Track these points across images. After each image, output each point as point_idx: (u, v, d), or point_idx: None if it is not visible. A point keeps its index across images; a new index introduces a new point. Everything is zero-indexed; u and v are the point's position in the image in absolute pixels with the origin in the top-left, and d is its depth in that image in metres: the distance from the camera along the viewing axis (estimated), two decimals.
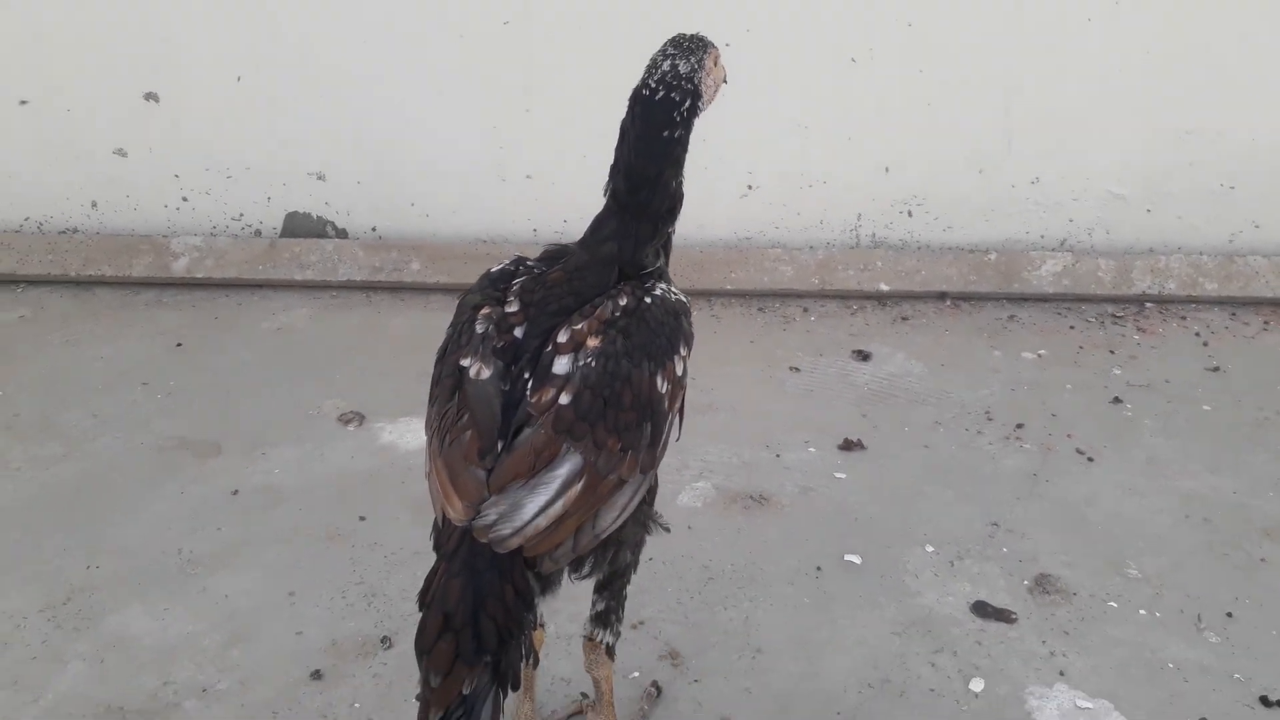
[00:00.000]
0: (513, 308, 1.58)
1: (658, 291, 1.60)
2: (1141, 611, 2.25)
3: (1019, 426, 2.94)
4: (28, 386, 3.14)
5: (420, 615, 1.45)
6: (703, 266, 3.71)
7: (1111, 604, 2.27)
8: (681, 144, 1.60)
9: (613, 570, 1.66)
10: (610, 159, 1.65)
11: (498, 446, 1.46)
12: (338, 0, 3.63)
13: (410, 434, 2.90)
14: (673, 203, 1.63)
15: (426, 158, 3.81)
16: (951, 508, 2.60)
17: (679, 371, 1.59)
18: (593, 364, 1.49)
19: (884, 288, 3.67)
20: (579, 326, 1.52)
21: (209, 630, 2.22)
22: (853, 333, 3.48)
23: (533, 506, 1.43)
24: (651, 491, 1.65)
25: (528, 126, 3.71)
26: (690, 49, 1.60)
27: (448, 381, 1.54)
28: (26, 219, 3.93)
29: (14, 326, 3.52)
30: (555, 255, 1.67)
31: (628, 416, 1.49)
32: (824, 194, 3.78)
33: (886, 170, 3.75)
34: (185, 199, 3.90)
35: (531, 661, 1.50)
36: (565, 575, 1.59)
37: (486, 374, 1.50)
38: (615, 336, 1.52)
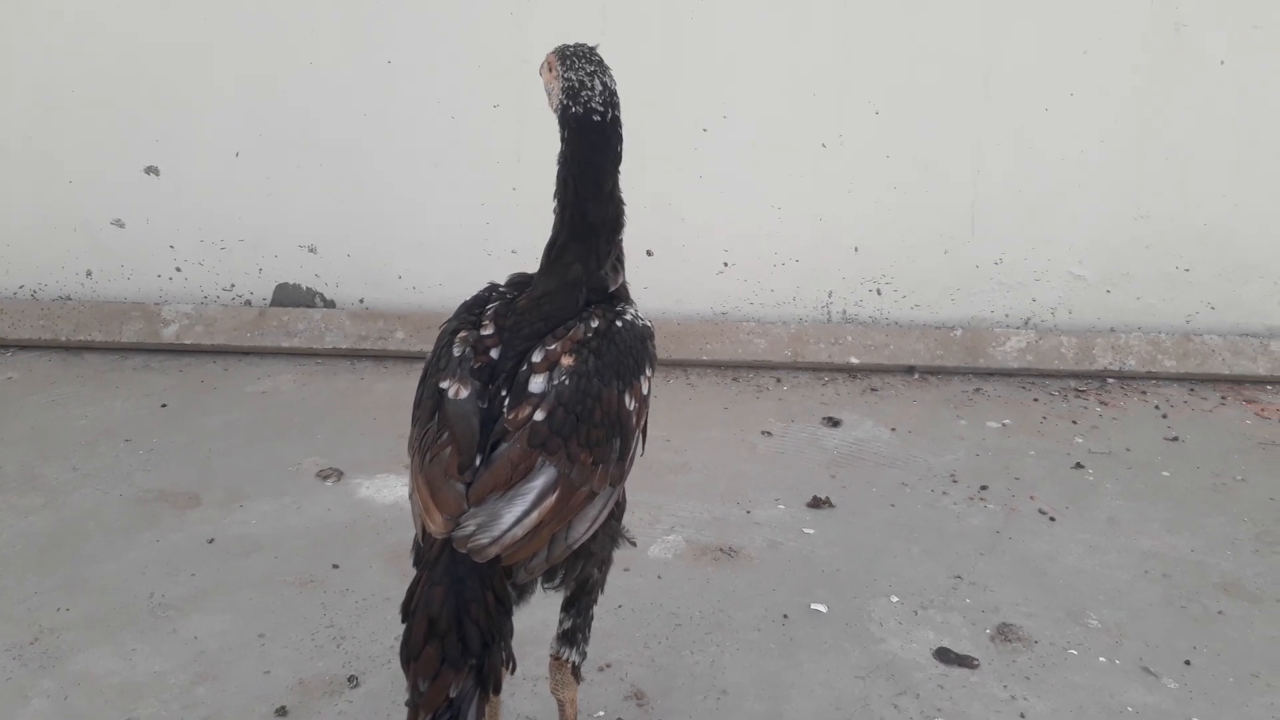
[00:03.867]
0: (488, 331, 1.67)
1: (628, 316, 1.70)
2: (1101, 659, 2.28)
3: (983, 488, 3.00)
4: (10, 442, 3.18)
5: (405, 625, 1.49)
6: (680, 338, 3.81)
7: (1072, 651, 2.30)
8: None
9: (580, 586, 1.70)
10: None
11: (476, 461, 1.53)
12: (336, 81, 3.83)
13: (387, 489, 2.95)
14: (619, 212, 1.72)
15: (415, 232, 3.96)
16: (916, 562, 2.64)
17: (645, 391, 1.68)
18: (566, 382, 1.57)
19: (854, 361, 3.78)
20: (553, 347, 1.61)
21: (176, 669, 2.22)
22: (823, 401, 3.57)
23: (510, 517, 1.49)
24: (619, 507, 1.71)
25: (514, 203, 3.87)
26: (603, 64, 1.70)
27: (428, 403, 1.61)
28: (21, 286, 4.04)
29: (0, 387, 3.58)
30: (523, 282, 1.77)
31: (598, 432, 1.57)
32: (796, 272, 3.93)
33: (856, 250, 3.90)
34: (179, 269, 4.02)
35: (510, 667, 1.53)
36: (539, 586, 1.64)
37: (465, 394, 1.58)
38: (587, 356, 1.60)
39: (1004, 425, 3.42)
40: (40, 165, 3.93)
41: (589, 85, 1.66)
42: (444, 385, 1.59)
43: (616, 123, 1.68)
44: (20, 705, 2.11)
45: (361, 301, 4.02)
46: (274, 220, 3.97)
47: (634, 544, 1.80)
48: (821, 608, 2.44)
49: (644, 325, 1.73)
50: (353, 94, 3.85)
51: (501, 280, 1.84)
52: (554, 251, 1.71)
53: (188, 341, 3.86)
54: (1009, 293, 3.92)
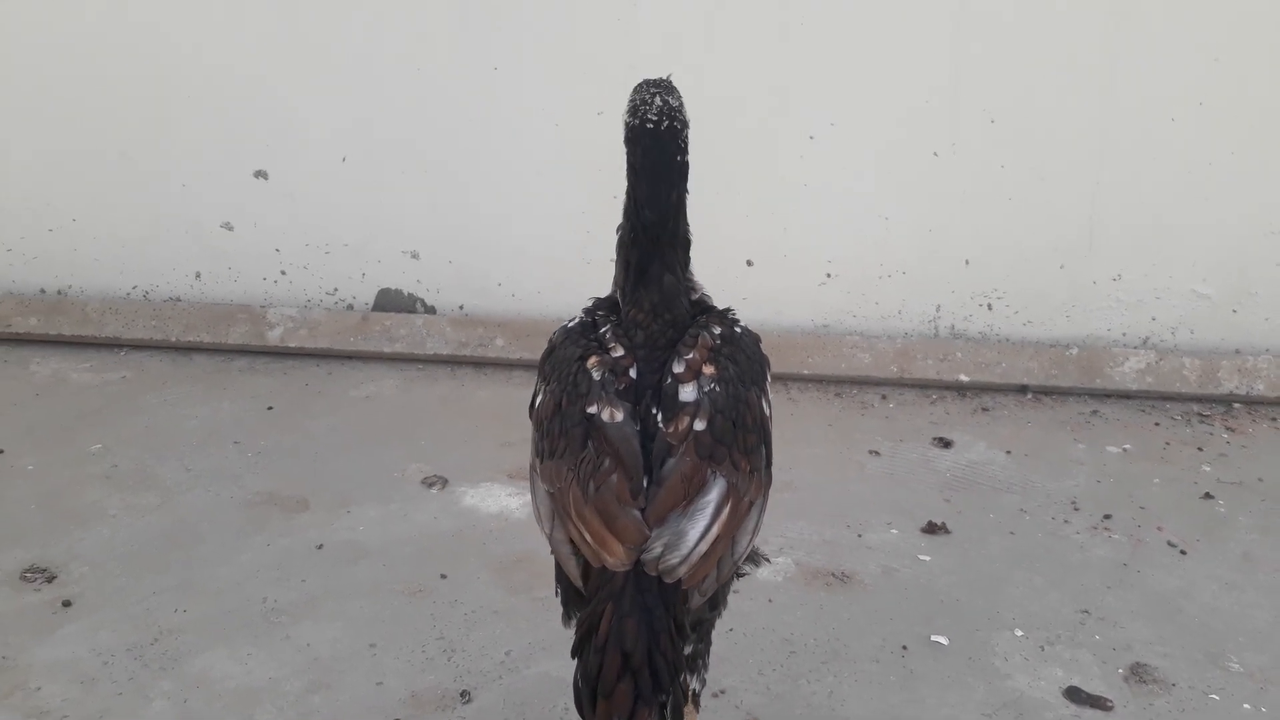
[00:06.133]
0: (618, 353, 1.63)
1: (743, 322, 1.70)
2: (1246, 705, 2.15)
3: (1106, 517, 2.87)
4: (126, 441, 3.26)
5: (585, 658, 1.46)
6: (780, 351, 3.73)
7: (1213, 697, 2.18)
8: (688, 168, 1.69)
9: (705, 609, 1.66)
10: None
11: (644, 484, 1.50)
12: (441, 87, 3.84)
13: (491, 499, 2.94)
14: (688, 228, 1.72)
15: (516, 240, 3.95)
16: (1040, 594, 2.53)
17: (770, 395, 1.66)
18: (717, 389, 1.55)
19: (964, 379, 3.66)
20: (690, 356, 1.58)
21: (291, 676, 2.24)
22: (933, 421, 3.46)
23: (695, 533, 1.47)
24: None
25: (615, 210, 3.81)
26: (670, 88, 1.69)
27: (576, 431, 1.56)
28: (134, 287, 4.14)
29: (116, 386, 3.68)
30: (611, 304, 1.73)
31: (751, 438, 1.56)
32: (903, 284, 3.82)
33: (967, 263, 3.78)
34: (284, 272, 4.08)
35: (685, 699, 1.52)
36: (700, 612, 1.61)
37: (620, 417, 1.54)
38: (725, 363, 1.58)
39: (1125, 450, 3.27)
40: (155, 169, 4.03)
41: (649, 102, 1.66)
42: (592, 410, 1.55)
43: (675, 134, 1.65)
44: (143, 705, 2.14)
45: (461, 308, 4.03)
46: (377, 225, 4.01)
47: (770, 561, 1.77)
48: (942, 639, 2.35)
49: (754, 332, 1.73)
50: (458, 100, 3.85)
51: (583, 303, 1.81)
52: (633, 273, 1.67)
53: (292, 345, 3.92)
54: (1127, 311, 3.75)
